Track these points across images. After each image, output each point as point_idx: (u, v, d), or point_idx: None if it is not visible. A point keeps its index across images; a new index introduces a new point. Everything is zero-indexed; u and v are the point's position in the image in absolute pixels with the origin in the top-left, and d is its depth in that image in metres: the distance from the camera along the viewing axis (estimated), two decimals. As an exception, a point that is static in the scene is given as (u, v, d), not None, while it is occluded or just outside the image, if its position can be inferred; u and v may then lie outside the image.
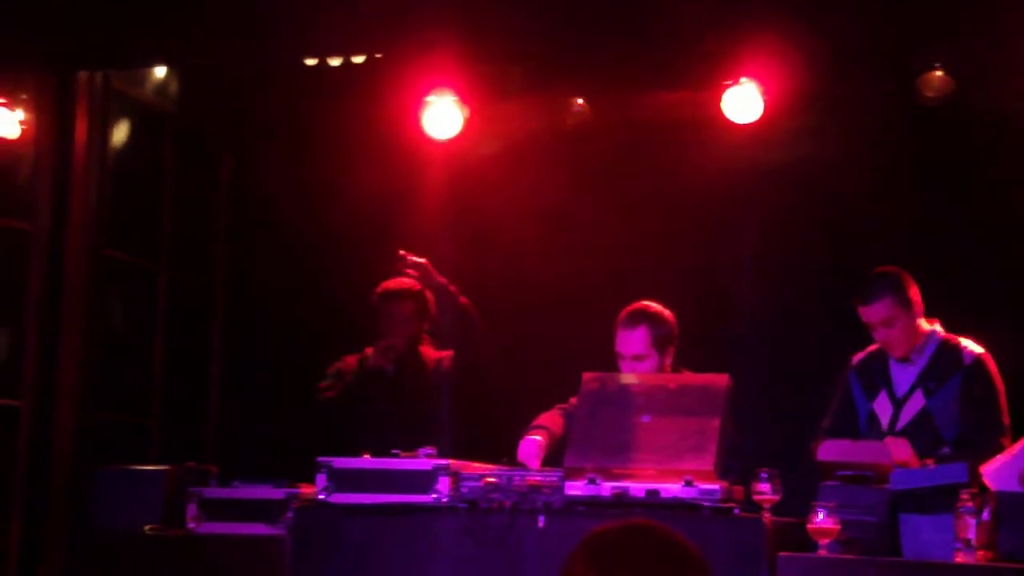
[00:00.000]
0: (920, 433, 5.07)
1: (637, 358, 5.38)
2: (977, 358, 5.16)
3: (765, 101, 6.58)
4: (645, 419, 4.88)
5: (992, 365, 5.16)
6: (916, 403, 5.17)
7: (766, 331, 6.84)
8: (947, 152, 6.82)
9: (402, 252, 5.86)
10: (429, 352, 6.11)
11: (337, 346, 6.27)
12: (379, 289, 6.06)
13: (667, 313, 5.46)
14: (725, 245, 7.03)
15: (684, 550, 2.13)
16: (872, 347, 5.34)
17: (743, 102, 6.62)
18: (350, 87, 7.03)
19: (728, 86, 6.60)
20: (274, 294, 7.69)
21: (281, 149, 7.67)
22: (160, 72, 7.41)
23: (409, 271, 5.86)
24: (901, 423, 5.18)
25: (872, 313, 5.19)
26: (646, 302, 5.47)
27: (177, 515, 5.29)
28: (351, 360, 6.08)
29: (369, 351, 6.05)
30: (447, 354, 6.07)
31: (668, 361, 5.44)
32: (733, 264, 6.97)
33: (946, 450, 5.03)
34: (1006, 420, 5.10)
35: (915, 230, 6.81)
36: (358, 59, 6.86)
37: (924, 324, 5.26)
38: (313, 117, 7.45)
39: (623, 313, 5.44)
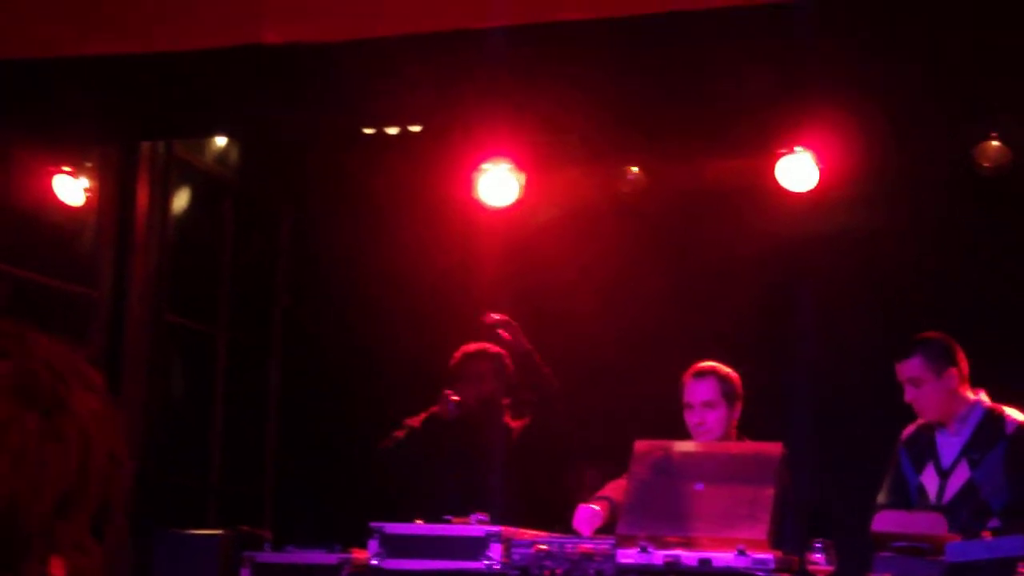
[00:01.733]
0: (967, 504, 5.04)
1: (707, 405, 5.38)
2: (1020, 426, 5.14)
3: (820, 170, 6.59)
4: (698, 487, 4.86)
5: None
6: (962, 474, 5.14)
7: (821, 401, 6.80)
8: (1004, 222, 6.79)
9: (491, 314, 5.92)
10: (507, 419, 6.11)
11: (392, 411, 6.30)
12: (459, 351, 6.10)
13: (734, 372, 5.48)
14: (780, 315, 7.00)
15: None
16: (921, 420, 5.31)
17: (798, 170, 6.62)
18: (408, 154, 7.12)
19: (783, 154, 6.61)
20: (331, 359, 7.75)
21: (339, 215, 7.76)
22: (221, 141, 7.54)
23: (500, 331, 5.91)
24: (948, 495, 5.14)
25: (902, 370, 5.21)
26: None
27: (231, 579, 5.31)
28: (423, 415, 6.10)
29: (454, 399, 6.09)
30: (522, 423, 6.07)
31: (736, 416, 5.43)
32: (788, 334, 6.94)
33: (995, 522, 4.98)
34: None
35: (971, 300, 6.77)
36: (415, 128, 6.94)
37: (969, 394, 5.23)
38: (371, 183, 7.54)
39: (691, 368, 5.46)
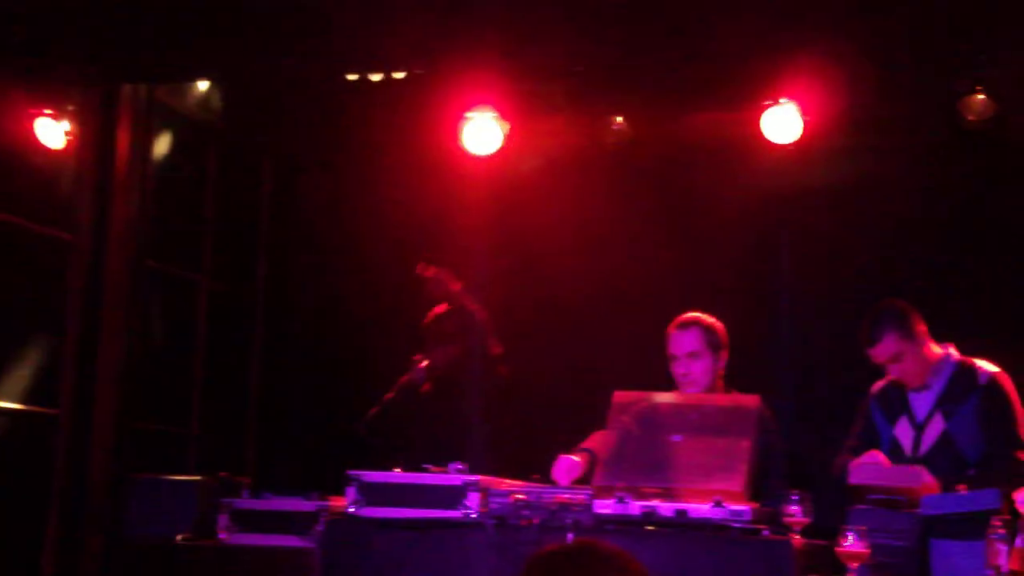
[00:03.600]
0: (943, 456, 5.07)
1: (692, 355, 5.39)
2: (992, 377, 5.16)
3: (805, 122, 6.56)
4: (676, 439, 4.87)
5: (1008, 382, 5.16)
6: (936, 427, 5.16)
7: (804, 352, 6.81)
8: (987, 174, 6.78)
9: (422, 265, 5.96)
10: (480, 370, 6.16)
11: (374, 359, 6.31)
12: (430, 312, 6.12)
13: (718, 323, 5.48)
14: (763, 264, 7.00)
15: (629, 567, 2.16)
16: (890, 375, 5.32)
17: (783, 122, 6.60)
18: (391, 102, 7.07)
19: (768, 106, 6.58)
20: (314, 306, 7.73)
21: (323, 162, 7.72)
22: (203, 86, 7.48)
23: (428, 276, 5.94)
24: (924, 448, 5.17)
25: (880, 353, 5.20)
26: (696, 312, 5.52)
27: (209, 525, 5.33)
28: (395, 387, 6.15)
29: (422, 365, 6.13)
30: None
31: (721, 365, 5.44)
32: (771, 283, 6.94)
33: (972, 472, 5.01)
34: None
35: (955, 252, 6.77)
36: (399, 75, 6.89)
37: (936, 349, 5.25)
38: (354, 131, 7.50)
39: (675, 320, 5.46)
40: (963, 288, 6.71)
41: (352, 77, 6.96)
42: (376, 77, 6.97)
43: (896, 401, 5.31)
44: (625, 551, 2.20)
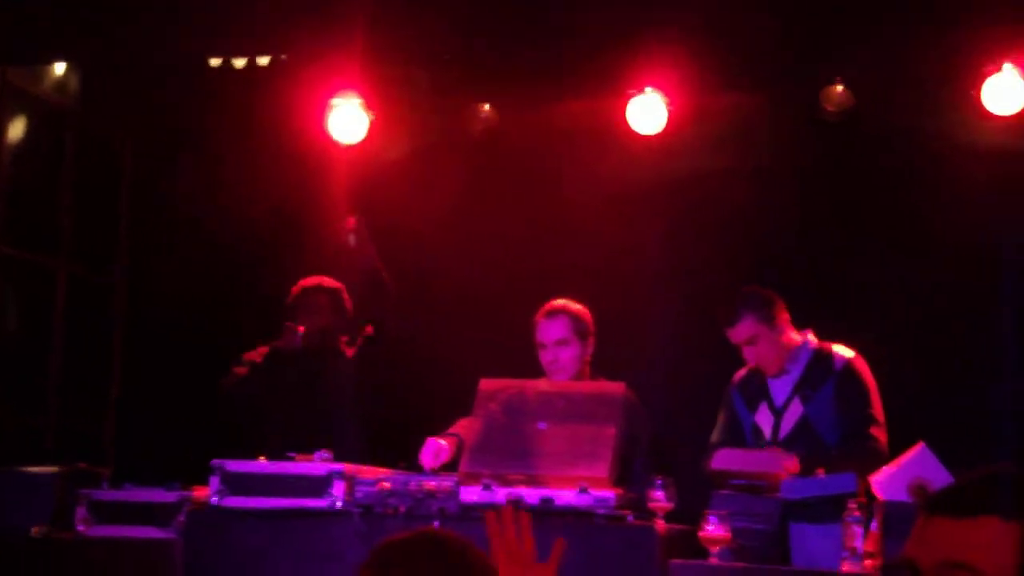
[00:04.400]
0: (802, 440, 5.17)
1: (560, 343, 5.42)
2: (847, 362, 5.27)
3: (670, 111, 6.63)
4: (542, 426, 4.89)
5: (863, 366, 5.28)
6: (795, 411, 5.26)
7: (670, 339, 6.88)
8: (847, 164, 6.92)
9: (350, 219, 5.95)
10: (343, 348, 6.11)
11: (240, 347, 6.21)
12: (297, 285, 6.08)
13: (585, 310, 5.50)
14: (628, 254, 7.05)
15: (471, 557, 2.18)
16: (752, 364, 5.41)
17: (647, 112, 6.65)
18: (255, 88, 6.97)
19: (632, 95, 6.63)
20: (177, 292, 7.61)
21: (185, 148, 7.60)
22: (60, 69, 7.30)
23: (353, 235, 5.92)
24: (783, 432, 5.26)
25: (737, 334, 5.28)
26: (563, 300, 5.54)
27: (67, 518, 5.20)
28: (263, 349, 6.05)
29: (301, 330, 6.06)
30: (356, 349, 6.08)
31: (589, 352, 5.47)
32: (636, 272, 7.00)
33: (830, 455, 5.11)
34: (880, 415, 5.22)
35: (813, 241, 6.90)
36: (263, 60, 6.81)
37: (795, 336, 5.35)
38: (218, 117, 7.38)
39: (542, 308, 5.47)
40: (822, 275, 6.84)
41: (215, 62, 6.86)
42: (240, 63, 6.87)
43: (756, 388, 5.39)
44: (466, 539, 2.23)
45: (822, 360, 5.29)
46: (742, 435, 5.35)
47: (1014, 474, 1.79)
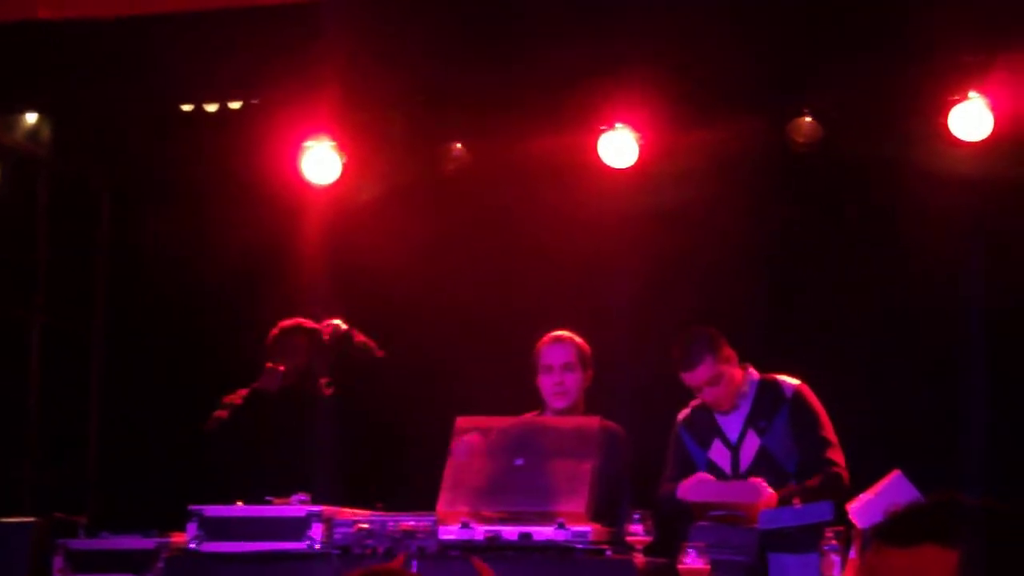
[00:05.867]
0: (764, 470, 5.20)
1: (567, 367, 5.49)
2: (796, 390, 5.34)
3: (640, 146, 6.67)
4: (519, 462, 4.89)
5: (809, 393, 5.37)
6: (752, 444, 5.29)
7: (640, 372, 6.88)
8: (815, 196, 6.98)
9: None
10: (323, 391, 6.11)
11: (219, 391, 6.21)
12: (276, 327, 6.09)
13: (585, 343, 5.60)
14: (602, 289, 7.07)
15: None
16: (694, 402, 5.43)
17: (619, 146, 6.70)
18: (227, 132, 6.99)
19: (603, 131, 6.67)
20: (155, 340, 7.60)
21: (159, 194, 7.60)
22: (32, 118, 7.30)
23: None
24: (744, 465, 5.28)
25: (696, 377, 5.30)
26: None
27: (44, 568, 5.17)
28: (243, 392, 6.05)
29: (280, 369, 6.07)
30: (335, 391, 6.09)
31: (587, 384, 5.54)
32: (610, 307, 7.01)
33: (793, 484, 5.13)
34: (833, 437, 5.30)
35: (785, 274, 6.94)
36: (234, 104, 6.82)
37: (738, 371, 5.37)
38: (192, 162, 7.39)
39: (547, 335, 5.56)
40: (792, 310, 6.88)
41: (187, 108, 6.88)
42: (212, 107, 6.89)
43: (705, 426, 5.41)
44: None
45: (770, 391, 5.34)
46: (695, 471, 5.33)
47: (953, 502, 1.85)
